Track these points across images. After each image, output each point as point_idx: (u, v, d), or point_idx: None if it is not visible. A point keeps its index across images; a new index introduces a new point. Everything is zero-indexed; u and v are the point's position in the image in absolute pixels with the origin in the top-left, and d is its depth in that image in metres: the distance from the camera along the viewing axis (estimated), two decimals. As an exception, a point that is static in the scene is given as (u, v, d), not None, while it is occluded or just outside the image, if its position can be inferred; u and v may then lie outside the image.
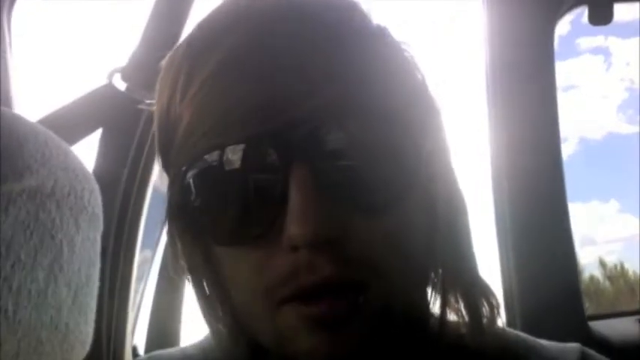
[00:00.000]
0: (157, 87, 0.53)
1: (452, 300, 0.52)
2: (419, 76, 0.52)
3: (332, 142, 0.44)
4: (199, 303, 0.53)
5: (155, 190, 1.35)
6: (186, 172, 0.47)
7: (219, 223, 0.47)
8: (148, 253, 1.49)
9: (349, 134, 0.44)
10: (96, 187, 0.48)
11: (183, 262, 0.52)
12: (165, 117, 0.50)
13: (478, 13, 1.37)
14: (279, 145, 0.43)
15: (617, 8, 1.36)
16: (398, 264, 0.45)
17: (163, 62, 0.52)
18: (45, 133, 0.47)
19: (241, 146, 0.44)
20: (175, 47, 0.52)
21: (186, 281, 0.53)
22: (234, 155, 0.44)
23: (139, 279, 1.39)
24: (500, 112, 1.34)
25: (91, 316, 0.45)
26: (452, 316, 0.53)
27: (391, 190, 0.45)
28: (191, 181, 0.46)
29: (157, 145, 0.53)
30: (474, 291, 0.53)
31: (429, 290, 0.54)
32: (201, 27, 0.50)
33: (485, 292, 0.54)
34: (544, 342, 0.60)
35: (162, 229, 1.54)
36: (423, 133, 0.49)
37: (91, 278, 0.45)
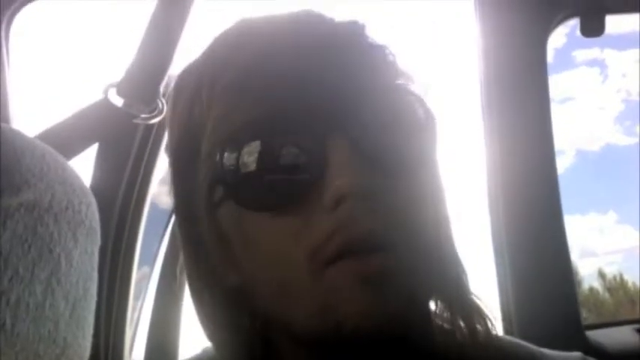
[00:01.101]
0: (173, 93, 0.56)
1: (446, 307, 0.54)
2: (418, 91, 0.54)
3: (360, 116, 0.47)
4: (197, 302, 0.54)
5: (153, 206, 1.35)
6: (223, 149, 0.48)
7: (259, 191, 0.48)
8: (146, 269, 1.49)
9: (372, 112, 0.48)
10: (93, 201, 0.49)
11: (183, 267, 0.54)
12: (188, 116, 0.53)
13: (471, 26, 1.38)
14: (319, 115, 0.47)
15: (612, 20, 1.37)
16: (424, 232, 0.48)
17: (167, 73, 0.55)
18: (42, 147, 0.47)
19: (284, 116, 0.47)
20: (193, 59, 0.55)
21: (185, 297, 0.53)
22: (273, 128, 0.47)
23: (137, 295, 1.39)
24: (494, 124, 1.35)
25: (89, 330, 0.45)
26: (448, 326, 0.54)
27: (410, 161, 0.49)
28: (229, 157, 0.48)
29: (172, 142, 0.55)
30: (464, 301, 0.54)
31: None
32: (225, 35, 0.54)
33: (477, 303, 0.55)
34: (545, 350, 0.60)
35: (160, 244, 1.54)
36: (424, 137, 0.52)
37: (88, 292, 0.45)
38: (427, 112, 0.53)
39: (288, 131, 0.47)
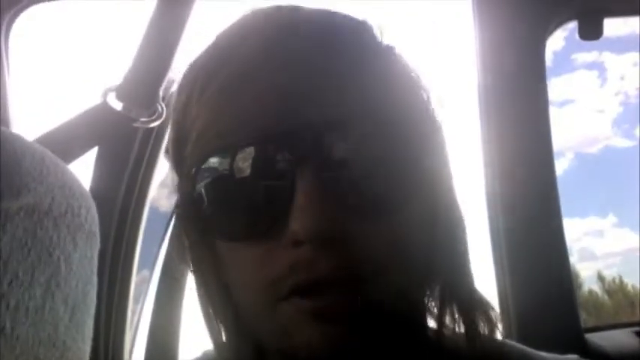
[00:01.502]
0: (175, 92, 0.56)
1: (449, 312, 0.53)
2: (423, 95, 0.54)
3: (336, 149, 0.46)
4: (202, 303, 0.54)
5: (152, 210, 1.35)
6: (197, 170, 0.49)
7: (227, 219, 0.49)
8: (145, 273, 1.49)
9: (353, 142, 0.46)
10: (93, 204, 0.49)
11: (188, 260, 0.54)
12: (182, 119, 0.53)
13: (469, 29, 1.39)
14: (287, 148, 0.45)
15: (610, 23, 1.37)
16: (397, 265, 0.47)
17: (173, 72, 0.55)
18: (42, 151, 0.47)
19: (251, 147, 0.46)
20: (194, 58, 0.55)
21: (185, 301, 0.54)
22: (243, 155, 0.46)
23: (137, 299, 1.39)
24: (492, 127, 1.35)
25: (89, 333, 0.45)
26: (450, 328, 0.54)
27: (391, 198, 0.47)
28: (202, 179, 0.49)
29: (170, 145, 0.56)
30: (470, 303, 0.53)
31: (427, 302, 0.54)
32: (220, 38, 0.53)
33: (483, 305, 0.54)
34: (542, 353, 0.61)
35: (159, 248, 1.54)
36: (424, 148, 0.50)
37: (88, 296, 0.45)
38: (433, 123, 0.53)
39: (259, 161, 0.46)
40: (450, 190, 0.55)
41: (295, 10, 0.53)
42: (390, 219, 0.47)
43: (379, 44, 0.53)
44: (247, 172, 0.47)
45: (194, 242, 0.53)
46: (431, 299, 0.54)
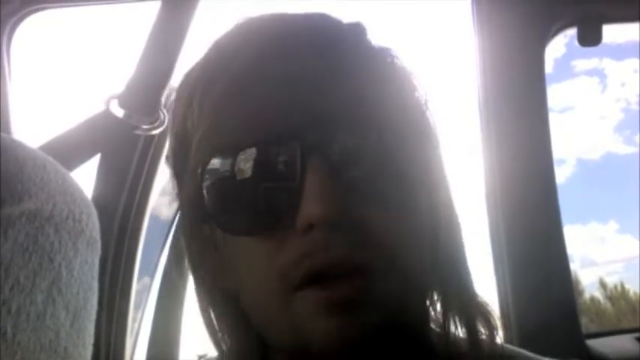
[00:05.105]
0: (174, 100, 0.56)
1: (451, 315, 0.53)
2: (419, 96, 0.55)
3: (342, 141, 0.47)
4: (202, 307, 0.54)
5: (153, 217, 1.35)
6: (203, 169, 0.49)
7: (237, 215, 0.49)
8: (146, 280, 1.49)
9: (359, 137, 0.47)
10: (94, 211, 0.49)
11: (189, 264, 0.54)
12: (183, 122, 0.53)
13: (469, 35, 1.39)
14: (294, 142, 0.46)
15: (610, 30, 1.38)
16: (408, 255, 0.48)
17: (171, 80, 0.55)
18: (43, 157, 0.47)
19: (260, 143, 0.47)
20: (193, 64, 0.55)
21: (185, 309, 0.54)
22: (251, 152, 0.47)
23: (138, 306, 1.38)
24: (492, 134, 1.35)
25: (89, 340, 0.45)
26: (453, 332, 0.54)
27: (399, 189, 0.48)
28: (208, 177, 0.49)
29: (171, 148, 0.56)
30: (471, 306, 0.54)
31: (429, 305, 0.55)
32: (221, 41, 0.54)
33: (483, 310, 0.55)
34: (545, 358, 0.61)
35: (160, 255, 1.54)
36: (421, 150, 0.51)
37: (89, 302, 0.45)
38: (429, 124, 0.54)
39: (268, 155, 0.47)
40: (447, 193, 0.55)
41: (294, 14, 0.54)
42: (399, 209, 0.48)
43: (374, 44, 0.54)
44: (256, 167, 0.47)
45: (197, 244, 0.53)
46: (433, 303, 0.54)
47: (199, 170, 0.49)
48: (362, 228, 0.46)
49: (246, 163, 0.47)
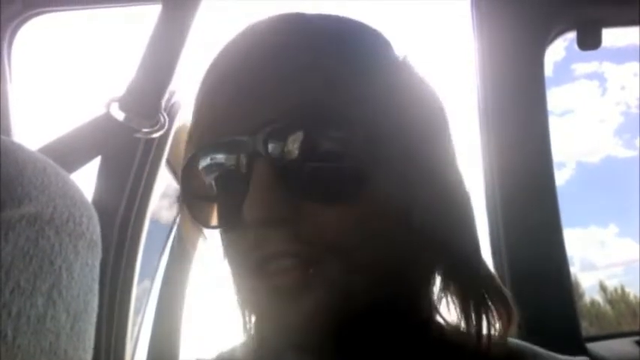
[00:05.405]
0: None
1: (451, 300, 0.56)
2: (421, 89, 0.57)
3: (288, 143, 0.50)
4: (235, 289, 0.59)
5: (153, 221, 1.35)
6: (185, 167, 0.54)
7: (205, 209, 0.55)
8: (146, 283, 1.49)
9: (300, 137, 0.50)
10: (94, 213, 0.49)
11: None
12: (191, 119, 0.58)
13: (469, 39, 1.39)
14: (246, 148, 0.50)
15: (610, 34, 1.38)
16: (353, 246, 0.50)
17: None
18: (43, 160, 0.47)
19: (222, 147, 0.52)
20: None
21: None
22: (214, 154, 0.53)
23: (138, 310, 1.38)
24: (492, 137, 1.35)
25: (90, 343, 0.45)
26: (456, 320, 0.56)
27: (339, 183, 0.51)
28: (188, 174, 0.55)
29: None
30: (476, 292, 0.55)
31: (432, 291, 0.56)
32: (223, 45, 0.57)
33: (498, 296, 0.56)
34: (551, 352, 0.61)
35: (160, 258, 1.54)
36: (389, 136, 0.52)
37: (89, 305, 0.45)
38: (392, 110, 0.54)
39: (226, 159, 0.52)
40: (447, 176, 0.56)
41: (296, 16, 0.56)
42: (345, 204, 0.50)
43: (367, 42, 0.56)
44: (219, 168, 0.53)
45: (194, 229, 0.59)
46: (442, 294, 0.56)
47: (184, 165, 0.55)
48: (301, 222, 0.49)
49: (212, 163, 0.53)
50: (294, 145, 0.50)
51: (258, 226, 0.49)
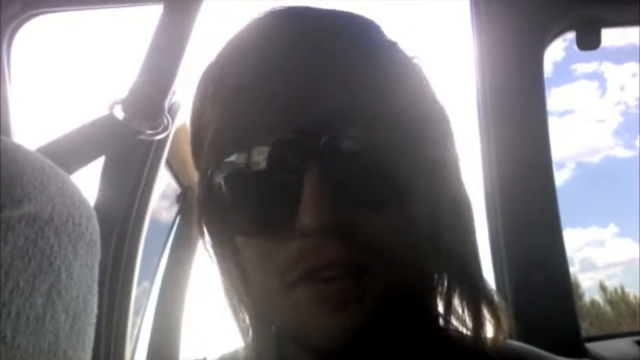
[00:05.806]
0: (192, 98, 0.58)
1: (456, 304, 0.55)
2: (426, 89, 0.57)
3: (340, 146, 0.48)
4: (227, 294, 0.57)
5: (153, 221, 1.35)
6: (213, 170, 0.52)
7: (243, 216, 0.52)
8: (145, 285, 1.49)
9: (355, 139, 0.49)
10: (93, 214, 0.49)
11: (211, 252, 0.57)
12: (198, 121, 0.55)
13: (468, 38, 1.39)
14: (295, 147, 0.48)
15: (610, 33, 1.38)
16: (399, 252, 0.49)
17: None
18: (42, 160, 0.47)
19: (263, 147, 0.49)
20: (208, 62, 0.57)
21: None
22: (257, 156, 0.49)
23: (137, 311, 1.38)
24: (491, 137, 1.35)
25: (89, 343, 0.45)
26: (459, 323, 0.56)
27: (392, 189, 0.50)
28: (218, 178, 0.52)
29: (190, 147, 0.58)
30: (477, 297, 0.55)
31: (436, 294, 0.56)
32: (233, 40, 0.55)
33: (490, 302, 0.56)
34: (553, 355, 0.61)
35: (160, 259, 1.54)
36: (427, 140, 0.52)
37: (88, 305, 0.45)
38: (440, 117, 0.55)
39: (270, 160, 0.49)
40: (454, 182, 0.56)
41: (305, 10, 0.55)
42: (391, 208, 0.49)
43: (381, 40, 0.56)
44: (260, 170, 0.49)
45: (215, 237, 0.56)
46: (439, 290, 0.56)
47: (210, 171, 0.52)
48: (356, 231, 0.48)
49: (251, 166, 0.50)
50: (348, 145, 0.48)
51: (316, 233, 0.47)
